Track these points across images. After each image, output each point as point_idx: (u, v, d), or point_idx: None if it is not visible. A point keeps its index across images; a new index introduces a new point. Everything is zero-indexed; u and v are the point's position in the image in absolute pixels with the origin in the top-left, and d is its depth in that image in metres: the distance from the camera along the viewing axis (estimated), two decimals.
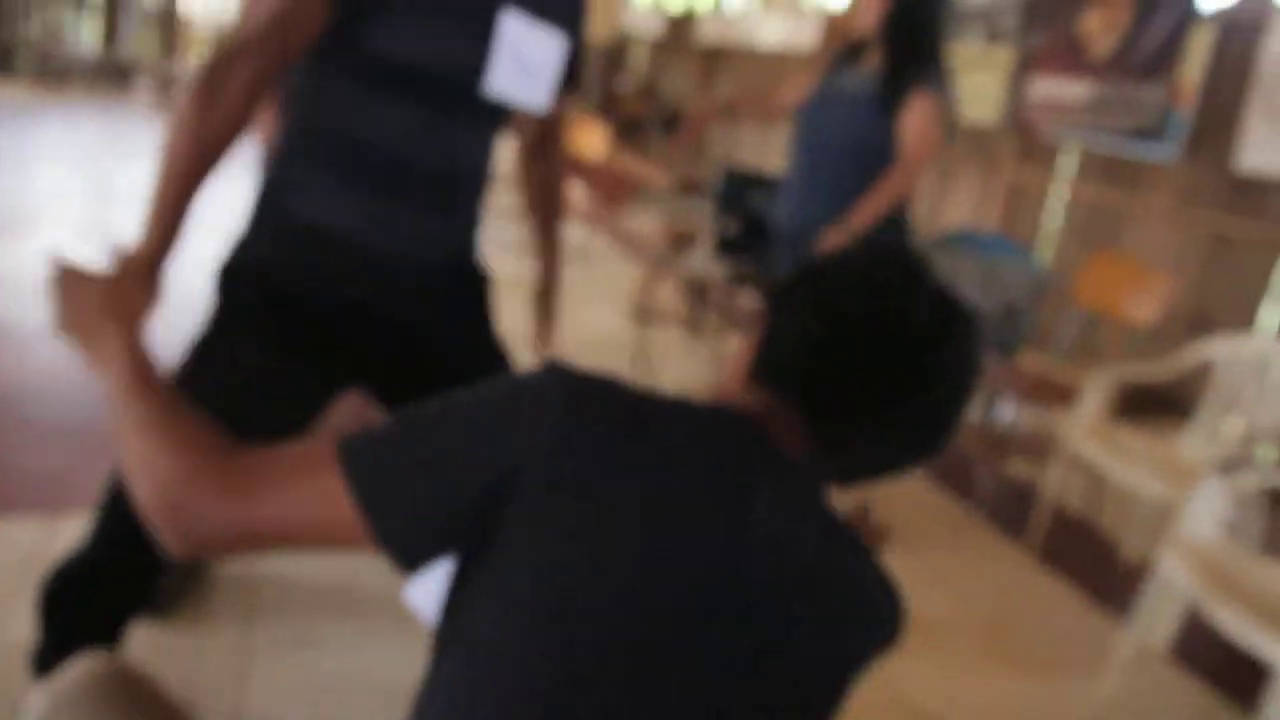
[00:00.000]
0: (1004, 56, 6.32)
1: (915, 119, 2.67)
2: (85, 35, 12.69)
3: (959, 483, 3.53)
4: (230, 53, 1.23)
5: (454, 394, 0.87)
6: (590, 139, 5.85)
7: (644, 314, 4.88)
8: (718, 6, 11.13)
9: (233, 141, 1.23)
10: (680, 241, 5.04)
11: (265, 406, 1.33)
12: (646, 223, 6.79)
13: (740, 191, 4.16)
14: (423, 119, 1.35)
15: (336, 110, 1.35)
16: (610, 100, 10.62)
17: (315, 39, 1.30)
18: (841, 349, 0.89)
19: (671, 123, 11.38)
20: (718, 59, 10.39)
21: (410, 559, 0.82)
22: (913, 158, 2.67)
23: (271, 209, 1.42)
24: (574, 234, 5.53)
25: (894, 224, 2.79)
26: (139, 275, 1.16)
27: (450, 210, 1.45)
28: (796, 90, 2.98)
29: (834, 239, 2.63)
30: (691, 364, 4.64)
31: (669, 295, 5.43)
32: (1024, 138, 6.14)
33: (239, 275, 1.42)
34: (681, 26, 11.84)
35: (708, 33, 10.62)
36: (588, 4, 1.51)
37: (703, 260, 4.24)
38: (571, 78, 1.53)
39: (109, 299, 0.98)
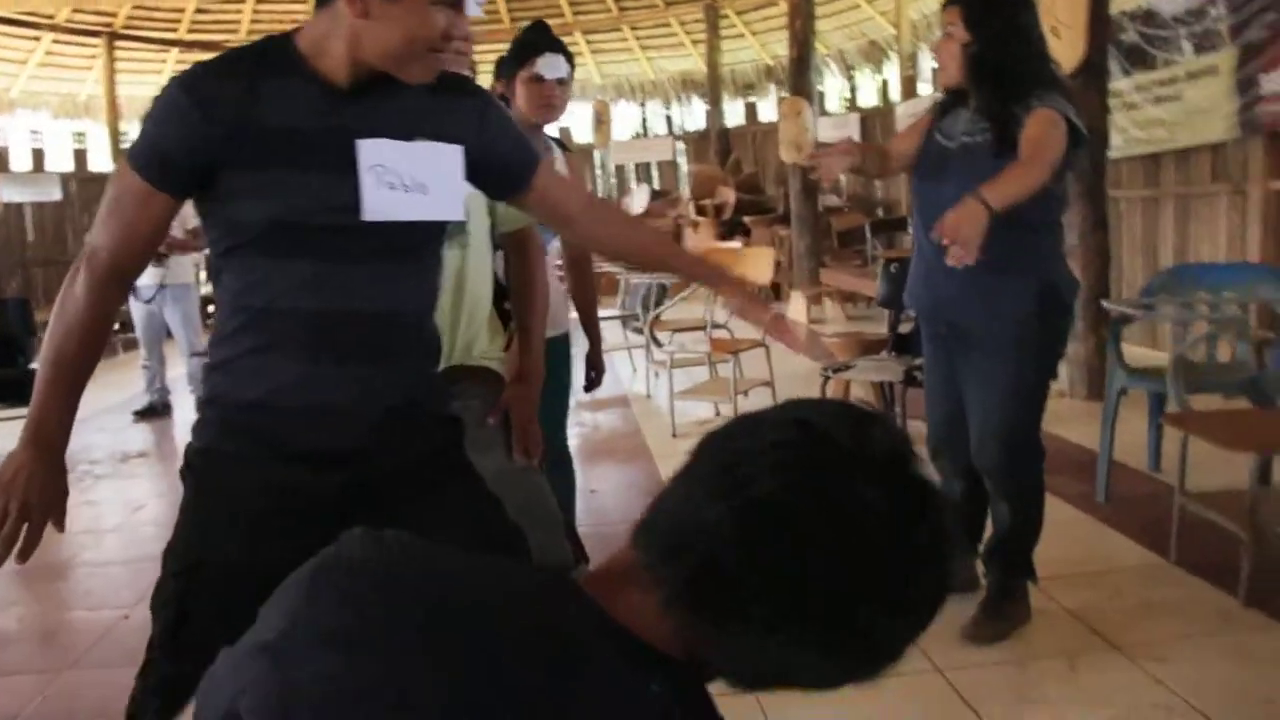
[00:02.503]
0: (1221, 61, 5.80)
1: (1032, 128, 2.47)
2: None
3: (1214, 567, 2.96)
4: (82, 257, 1.43)
5: None
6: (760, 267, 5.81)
7: None
8: (912, 90, 11.06)
9: (84, 340, 1.43)
10: (872, 348, 4.87)
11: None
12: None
13: (903, 280, 3.99)
14: (315, 270, 1.42)
15: (237, 284, 1.46)
16: (822, 217, 10.64)
17: (163, 229, 1.45)
18: (746, 533, 0.76)
19: (890, 226, 11.21)
20: None
21: None
22: (1040, 149, 2.44)
23: (209, 392, 1.53)
24: (754, 361, 5.45)
25: (1050, 288, 2.58)
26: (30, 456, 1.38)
27: (381, 354, 1.48)
28: (910, 139, 2.84)
29: (971, 214, 2.29)
30: None
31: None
32: (1273, 144, 5.55)
33: (193, 466, 1.52)
34: (877, 122, 11.81)
35: (907, 120, 10.51)
36: (486, 106, 1.56)
37: (878, 362, 4.06)
38: (521, 172, 1.58)
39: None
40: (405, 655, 0.75)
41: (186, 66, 1.47)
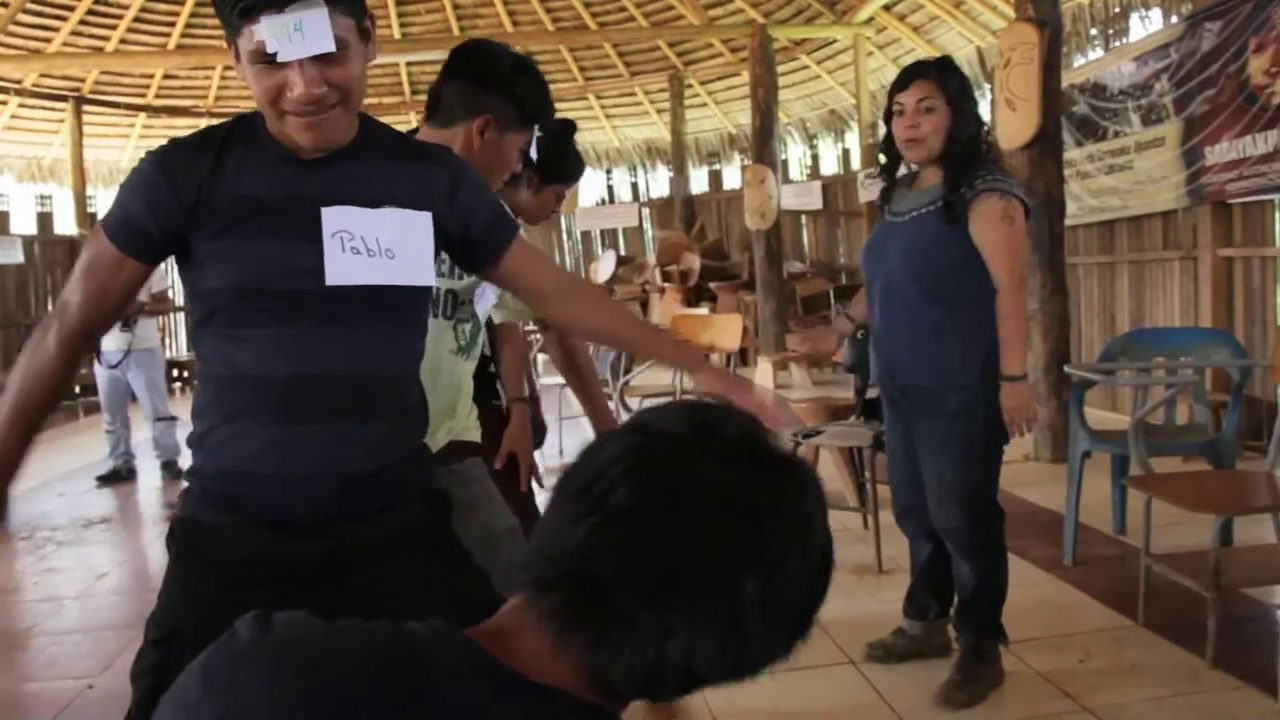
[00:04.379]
0: (1168, 133, 5.99)
1: (992, 223, 2.56)
2: None
3: (1182, 628, 3.01)
4: (52, 311, 1.50)
5: None
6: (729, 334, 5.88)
7: None
8: (873, 158, 11.27)
9: (50, 388, 1.50)
10: (840, 414, 4.90)
11: None
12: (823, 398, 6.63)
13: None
14: (282, 335, 1.43)
15: (211, 354, 1.48)
16: (789, 282, 10.76)
17: (132, 294, 1.51)
18: (610, 518, 0.78)
19: (853, 292, 11.35)
20: None
21: None
22: (1009, 268, 2.58)
23: (192, 464, 1.53)
24: None
25: (993, 357, 2.63)
26: None
27: (354, 419, 1.47)
28: None
29: (1014, 395, 2.58)
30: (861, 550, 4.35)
31: (833, 475, 5.20)
32: (1220, 212, 5.71)
33: (176, 534, 1.52)
34: (839, 189, 12.02)
35: (868, 187, 10.70)
36: (460, 175, 1.56)
37: (846, 427, 4.09)
38: (492, 245, 1.59)
39: None
40: None
41: (153, 130, 1.51)
